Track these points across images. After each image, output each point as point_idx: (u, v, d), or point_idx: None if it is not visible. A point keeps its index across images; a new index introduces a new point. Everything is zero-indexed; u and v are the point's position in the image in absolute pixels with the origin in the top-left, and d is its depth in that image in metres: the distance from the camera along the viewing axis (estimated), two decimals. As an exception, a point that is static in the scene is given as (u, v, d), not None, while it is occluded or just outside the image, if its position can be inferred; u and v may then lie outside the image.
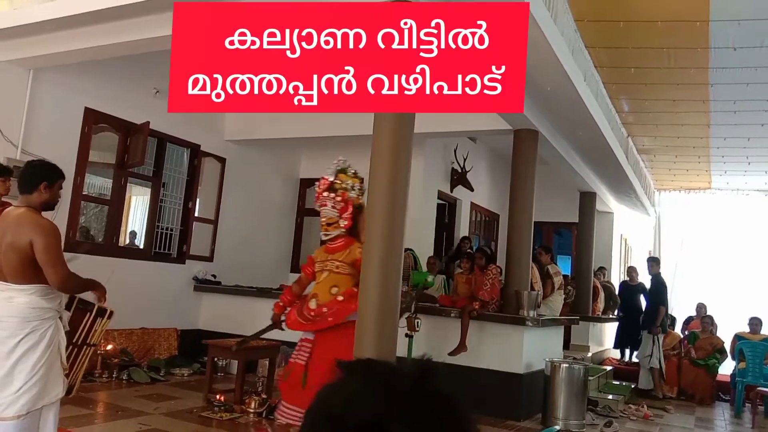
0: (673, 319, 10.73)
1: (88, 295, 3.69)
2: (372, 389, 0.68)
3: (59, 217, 5.86)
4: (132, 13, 5.44)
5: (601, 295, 11.32)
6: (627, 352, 11.24)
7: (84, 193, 7.28)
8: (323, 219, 4.86)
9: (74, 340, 3.64)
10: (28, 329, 3.14)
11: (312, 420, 0.70)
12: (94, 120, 7.25)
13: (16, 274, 3.16)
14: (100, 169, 7.73)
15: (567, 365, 6.41)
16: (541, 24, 5.11)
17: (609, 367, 9.74)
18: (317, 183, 4.99)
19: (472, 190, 10.45)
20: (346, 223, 4.83)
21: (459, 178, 10.12)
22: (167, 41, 5.71)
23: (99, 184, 7.97)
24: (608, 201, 12.56)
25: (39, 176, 3.33)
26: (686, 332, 10.58)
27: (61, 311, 3.36)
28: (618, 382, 9.09)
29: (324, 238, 4.92)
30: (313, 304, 4.76)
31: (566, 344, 9.25)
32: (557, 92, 6.64)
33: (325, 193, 4.88)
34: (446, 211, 10.66)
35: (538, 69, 6.04)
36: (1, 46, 6.26)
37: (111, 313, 3.79)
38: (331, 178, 4.95)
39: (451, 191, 10.21)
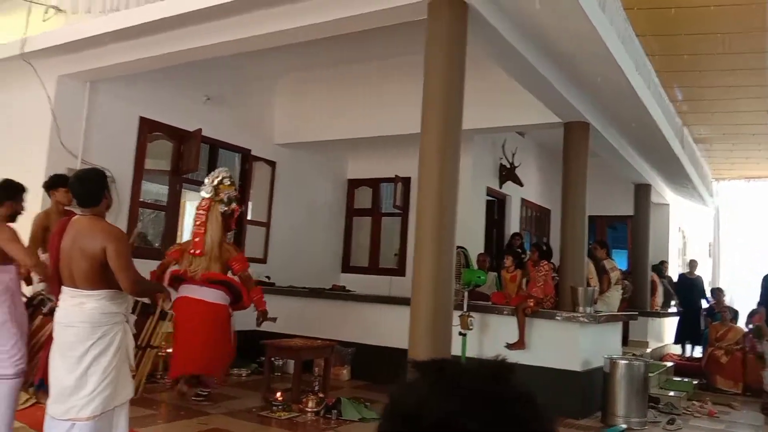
0: (736, 313, 10.35)
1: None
2: (448, 388, 0.67)
3: (118, 223, 6.06)
4: (181, 23, 5.59)
5: (660, 289, 11.03)
6: (688, 347, 10.91)
7: (141, 199, 7.50)
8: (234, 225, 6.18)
9: (139, 343, 3.76)
10: (98, 334, 3.26)
11: (387, 419, 0.70)
12: (148, 129, 7.47)
13: (87, 280, 3.28)
14: (156, 176, 7.94)
15: (626, 362, 6.26)
16: (589, 14, 5.01)
17: (670, 363, 9.46)
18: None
19: (521, 185, 10.32)
20: None
21: (508, 173, 10.01)
22: (216, 49, 5.88)
23: (155, 190, 8.19)
24: (664, 192, 12.22)
25: (101, 188, 3.44)
26: (750, 326, 10.19)
27: (128, 315, 3.47)
28: (679, 379, 8.82)
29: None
30: None
31: (624, 340, 9.03)
32: (608, 83, 6.50)
33: None
34: (495, 207, 10.57)
35: (587, 60, 5.94)
36: (59, 61, 6.51)
37: (172, 316, 3.90)
38: None
39: (500, 187, 10.11)
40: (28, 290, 4.61)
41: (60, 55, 6.45)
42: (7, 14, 6.76)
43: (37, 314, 4.25)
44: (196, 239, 5.66)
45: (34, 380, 4.04)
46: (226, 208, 5.73)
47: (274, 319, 6.00)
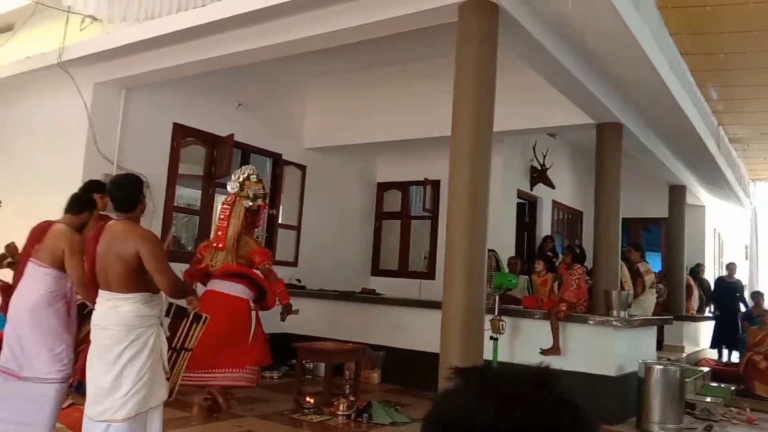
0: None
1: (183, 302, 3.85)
2: (491, 395, 0.67)
3: (153, 227, 6.16)
4: (213, 30, 5.67)
5: (695, 293, 10.81)
6: (725, 352, 10.67)
7: (174, 204, 7.61)
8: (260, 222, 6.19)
9: (173, 345, 3.81)
10: (132, 336, 3.32)
11: (431, 425, 0.70)
12: (182, 134, 7.58)
13: (122, 284, 3.35)
14: (189, 181, 8.06)
15: (662, 367, 6.15)
16: (622, 13, 4.94)
17: (706, 369, 9.27)
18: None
19: (553, 187, 10.22)
20: None
21: (539, 175, 9.93)
22: (248, 55, 5.96)
23: (188, 195, 8.31)
24: (699, 194, 11.99)
25: (138, 193, 3.52)
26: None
27: (161, 318, 3.52)
28: (716, 384, 8.63)
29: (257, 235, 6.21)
30: None
31: (659, 345, 8.87)
32: (641, 83, 6.40)
33: None
34: (527, 209, 10.48)
35: (620, 60, 5.86)
36: (96, 69, 6.65)
37: (206, 318, 3.95)
38: None
39: (531, 189, 10.03)
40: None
41: (96, 63, 6.59)
42: (46, 24, 6.94)
43: (87, 322, 4.30)
44: (219, 233, 5.75)
45: (73, 381, 4.13)
46: (251, 204, 5.78)
47: (296, 311, 5.97)
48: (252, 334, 5.58)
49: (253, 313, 5.70)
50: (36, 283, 3.96)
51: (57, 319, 3.96)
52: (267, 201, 6.05)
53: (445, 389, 0.72)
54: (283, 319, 5.98)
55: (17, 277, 4.15)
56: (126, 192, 3.49)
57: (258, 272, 5.73)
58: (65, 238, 3.98)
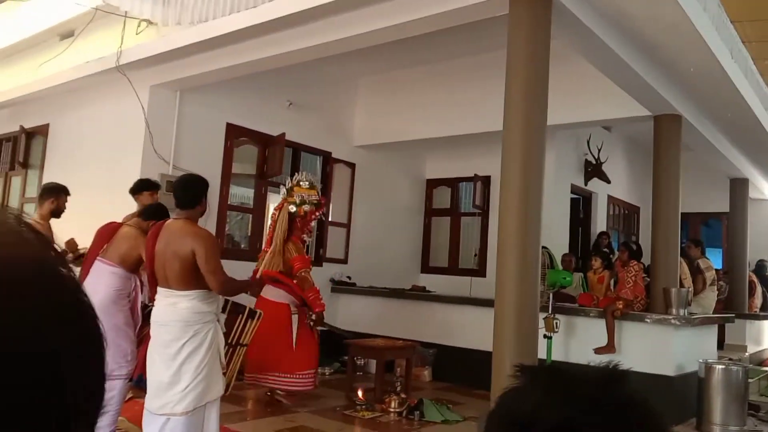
0: None
1: (241, 298, 3.92)
2: (561, 394, 0.65)
3: (208, 226, 6.29)
4: (264, 31, 5.74)
5: (759, 289, 10.39)
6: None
7: (228, 202, 7.76)
8: (311, 227, 6.23)
9: (229, 341, 3.88)
10: (191, 332, 3.39)
11: (497, 425, 0.69)
12: (235, 134, 7.72)
13: (179, 281, 3.43)
14: (242, 180, 8.20)
15: (723, 366, 5.93)
16: (681, 1, 4.77)
17: (771, 369, 8.90)
18: (321, 199, 6.19)
19: (608, 182, 9.97)
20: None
21: (594, 170, 9.70)
22: (298, 55, 6.01)
23: (241, 193, 8.46)
24: (763, 187, 11.51)
25: (201, 192, 3.60)
26: None
27: (218, 314, 3.59)
28: (783, 385, 8.27)
29: (307, 241, 6.23)
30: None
31: (720, 344, 8.56)
32: (701, 73, 6.17)
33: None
34: (581, 205, 10.27)
35: (679, 49, 5.67)
36: (152, 71, 6.83)
37: (261, 314, 4.01)
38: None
39: (586, 184, 9.81)
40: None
41: (152, 66, 6.76)
42: (104, 30, 7.16)
43: (148, 322, 4.40)
44: (269, 237, 5.95)
45: (133, 376, 4.26)
46: (295, 209, 5.87)
47: (327, 326, 6.04)
48: (296, 338, 5.65)
49: (295, 317, 5.75)
50: (103, 281, 4.10)
51: (122, 317, 4.10)
52: (319, 207, 6.04)
53: (511, 387, 0.70)
54: (311, 328, 5.89)
55: (83, 276, 4.30)
56: (190, 189, 3.59)
57: (294, 279, 5.77)
58: (139, 242, 4.10)
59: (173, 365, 3.36)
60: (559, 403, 0.63)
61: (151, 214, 4.31)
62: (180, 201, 3.59)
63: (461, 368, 6.99)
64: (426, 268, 10.32)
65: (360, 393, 5.93)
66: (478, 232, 9.80)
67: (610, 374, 0.69)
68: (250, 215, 8.21)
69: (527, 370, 0.71)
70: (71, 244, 4.98)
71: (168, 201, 6.16)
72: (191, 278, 3.42)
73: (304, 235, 6.03)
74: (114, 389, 4.02)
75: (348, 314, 8.52)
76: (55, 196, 4.82)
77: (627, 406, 0.66)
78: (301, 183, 6.00)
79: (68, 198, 4.89)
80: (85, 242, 4.61)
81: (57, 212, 4.80)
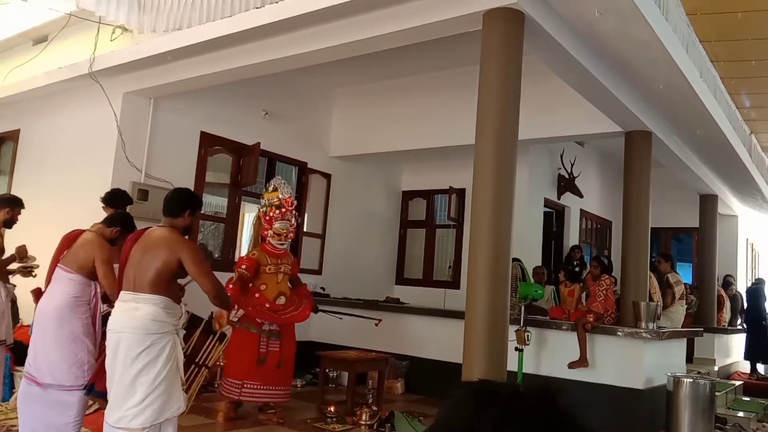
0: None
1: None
2: (494, 408, 0.67)
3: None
4: (240, 40, 5.74)
5: (727, 304, 10.58)
6: (760, 366, 10.40)
7: (202, 212, 7.69)
8: (283, 231, 5.75)
9: (197, 360, 3.83)
10: (148, 342, 3.31)
11: None
12: (209, 143, 7.67)
13: (149, 284, 3.38)
14: (216, 189, 8.14)
15: (691, 380, 6.01)
16: (651, 21, 4.87)
17: (738, 382, 9.04)
18: (283, 200, 5.81)
19: (581, 196, 10.10)
20: (292, 235, 5.91)
21: (567, 184, 9.82)
22: (274, 65, 6.01)
23: (215, 203, 8.40)
24: (731, 203, 11.75)
25: (186, 204, 3.60)
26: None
27: (179, 328, 3.53)
28: (749, 399, 8.41)
29: (279, 245, 5.77)
30: (282, 300, 5.67)
31: (689, 358, 8.68)
32: (671, 91, 6.30)
33: (291, 210, 5.86)
34: (554, 219, 10.37)
35: (649, 67, 5.78)
36: (126, 78, 6.77)
37: (228, 338, 3.98)
38: (292, 198, 5.93)
39: (559, 198, 9.92)
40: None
41: (126, 73, 6.70)
42: (78, 36, 7.09)
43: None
44: None
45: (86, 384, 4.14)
46: (257, 213, 6.04)
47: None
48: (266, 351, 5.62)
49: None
50: (61, 288, 4.02)
51: (80, 325, 3.99)
52: (280, 207, 5.77)
53: (448, 402, 0.71)
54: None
55: (47, 282, 4.23)
56: (177, 198, 3.62)
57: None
58: (95, 246, 4.04)
59: (127, 376, 3.29)
60: (491, 417, 0.65)
61: (114, 221, 4.27)
62: (165, 207, 3.62)
63: (434, 380, 6.97)
64: (401, 279, 10.34)
65: (331, 406, 5.89)
66: (452, 244, 9.85)
67: (543, 389, 0.70)
68: (224, 224, 8.14)
69: (464, 386, 0.72)
70: (21, 250, 5.04)
71: (139, 211, 6.15)
72: (163, 284, 3.39)
73: (278, 242, 5.86)
74: (73, 398, 3.93)
75: (321, 326, 8.47)
76: (10, 206, 4.98)
77: (557, 419, 0.67)
78: (267, 188, 6.03)
79: (22, 210, 5.08)
80: (52, 250, 4.53)
81: (9, 223, 4.99)
